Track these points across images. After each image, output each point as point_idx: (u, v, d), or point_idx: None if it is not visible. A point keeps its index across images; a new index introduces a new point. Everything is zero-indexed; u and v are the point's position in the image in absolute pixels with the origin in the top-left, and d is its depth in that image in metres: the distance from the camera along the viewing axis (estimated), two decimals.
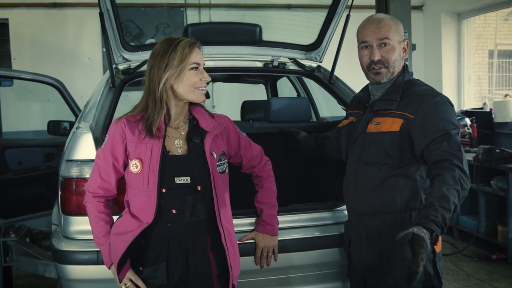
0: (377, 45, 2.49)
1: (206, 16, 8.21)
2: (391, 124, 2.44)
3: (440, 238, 2.47)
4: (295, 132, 3.33)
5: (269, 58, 3.75)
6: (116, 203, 2.54)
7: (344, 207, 2.85)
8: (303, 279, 2.99)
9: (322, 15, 3.72)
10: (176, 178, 2.29)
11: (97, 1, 3.08)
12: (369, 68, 2.54)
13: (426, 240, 2.01)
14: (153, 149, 2.27)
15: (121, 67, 3.49)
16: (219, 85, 7.48)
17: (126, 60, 3.53)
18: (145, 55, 3.41)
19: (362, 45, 2.55)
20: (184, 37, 2.32)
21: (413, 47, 6.12)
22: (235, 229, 2.52)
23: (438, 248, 2.49)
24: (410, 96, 2.47)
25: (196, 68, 2.30)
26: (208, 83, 2.35)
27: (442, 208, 2.12)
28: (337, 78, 3.72)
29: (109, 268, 2.41)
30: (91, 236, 2.44)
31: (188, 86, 2.28)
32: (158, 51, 2.28)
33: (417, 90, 2.49)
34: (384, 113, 2.50)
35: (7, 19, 7.66)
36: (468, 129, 6.84)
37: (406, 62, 2.62)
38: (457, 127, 2.39)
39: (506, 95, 7.60)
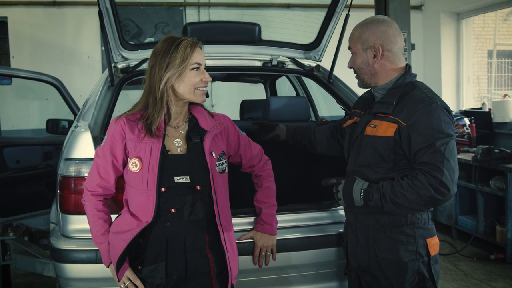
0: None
1: (205, 15, 8.21)
2: (386, 129, 2.43)
3: (437, 240, 2.50)
4: (269, 126, 3.26)
5: (268, 57, 3.75)
6: (114, 202, 2.54)
7: (342, 207, 2.85)
8: (301, 278, 2.99)
9: (321, 14, 3.72)
10: (175, 177, 2.29)
11: (96, 0, 3.07)
12: None
13: (356, 186, 2.42)
14: (152, 148, 2.26)
15: (120, 65, 3.49)
16: (218, 84, 7.47)
17: (125, 59, 3.54)
18: (144, 54, 3.42)
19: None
20: (186, 37, 2.31)
21: (412, 47, 6.12)
22: (234, 228, 2.52)
23: (433, 251, 2.49)
24: (407, 102, 2.44)
25: (197, 68, 2.29)
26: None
27: (390, 198, 2.34)
28: (336, 77, 3.72)
29: (108, 267, 2.41)
30: (89, 235, 2.43)
31: (188, 86, 2.28)
32: (160, 50, 2.28)
33: (414, 95, 2.45)
34: (381, 116, 2.49)
35: (6, 17, 7.65)
36: (467, 129, 6.84)
37: (407, 62, 2.61)
38: (447, 136, 2.34)
39: (505, 95, 7.61)
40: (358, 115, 2.70)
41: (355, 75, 2.63)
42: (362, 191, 2.40)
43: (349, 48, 2.60)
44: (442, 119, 2.36)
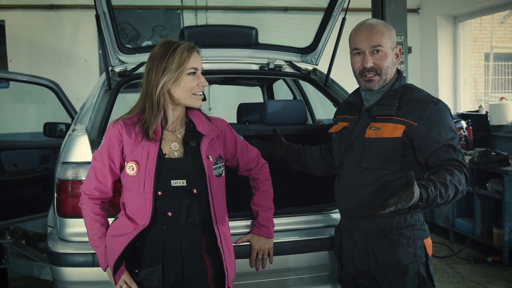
0: (370, 52, 2.47)
1: (203, 18, 8.22)
2: (393, 130, 2.43)
3: (431, 241, 2.51)
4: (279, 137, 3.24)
5: (265, 61, 3.75)
6: (111, 205, 2.54)
7: (337, 209, 2.84)
8: (298, 281, 2.99)
9: (318, 18, 3.72)
10: (172, 181, 2.29)
11: (93, 3, 3.08)
12: (361, 75, 2.52)
13: (414, 197, 2.01)
14: (149, 152, 2.27)
15: (117, 69, 3.49)
16: (215, 87, 7.49)
17: (122, 62, 3.54)
18: (141, 57, 3.43)
19: (355, 51, 2.53)
20: (183, 41, 2.32)
21: (409, 50, 6.14)
22: (231, 231, 2.53)
23: (430, 251, 2.50)
24: (410, 102, 2.46)
25: (194, 73, 2.29)
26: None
27: (439, 193, 2.15)
28: (332, 81, 3.73)
29: (105, 270, 2.42)
30: (86, 238, 2.44)
31: (185, 91, 2.28)
32: (157, 54, 2.28)
33: (416, 97, 2.48)
34: (383, 118, 2.49)
35: (3, 21, 7.67)
36: (464, 132, 6.85)
37: (400, 66, 2.62)
38: (457, 134, 2.43)
39: (501, 98, 7.62)
40: (347, 120, 2.69)
41: (370, 74, 2.49)
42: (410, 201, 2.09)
43: (376, 45, 2.46)
44: (449, 117, 2.44)
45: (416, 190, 2.02)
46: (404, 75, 2.65)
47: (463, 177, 2.28)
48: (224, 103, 7.82)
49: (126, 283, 2.31)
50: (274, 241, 2.79)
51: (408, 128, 2.40)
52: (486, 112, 7.41)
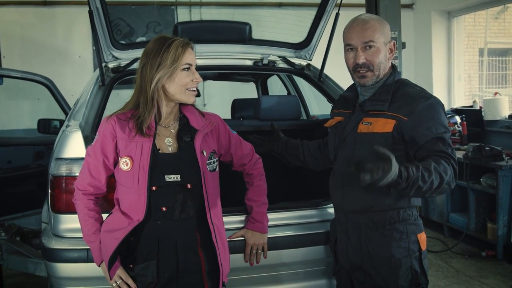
0: (362, 48, 2.47)
1: (197, 14, 8.20)
2: (384, 125, 2.44)
3: (425, 236, 2.51)
4: (278, 132, 3.24)
5: (259, 56, 3.75)
6: (106, 200, 2.54)
7: (331, 205, 2.85)
8: (293, 276, 3.00)
9: (312, 13, 3.72)
10: (166, 176, 2.30)
11: None
12: (354, 71, 2.52)
13: (392, 170, 2.01)
14: (143, 147, 2.27)
15: (111, 65, 3.49)
16: (210, 83, 7.48)
17: (116, 58, 3.53)
18: (135, 53, 3.42)
19: (347, 47, 2.53)
20: (178, 37, 2.32)
21: (403, 45, 6.14)
22: (225, 226, 2.53)
23: (423, 246, 2.51)
24: (402, 97, 2.46)
25: (188, 68, 2.30)
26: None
27: (421, 176, 2.15)
28: (326, 76, 3.73)
29: (99, 266, 2.42)
30: (80, 234, 2.44)
31: (179, 86, 2.29)
32: (151, 50, 2.29)
33: (409, 92, 2.48)
34: (376, 113, 2.49)
35: None
36: (458, 127, 6.86)
37: (394, 61, 2.61)
38: (448, 130, 2.41)
39: (496, 93, 7.63)
40: (342, 114, 2.69)
41: (363, 70, 2.48)
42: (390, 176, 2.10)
43: (368, 41, 2.45)
44: (441, 113, 2.42)
45: (395, 164, 2.03)
46: (398, 70, 2.64)
47: (450, 168, 2.27)
48: (219, 98, 7.81)
49: (121, 278, 2.32)
50: (268, 236, 2.79)
51: (399, 123, 2.41)
52: (480, 107, 7.42)
